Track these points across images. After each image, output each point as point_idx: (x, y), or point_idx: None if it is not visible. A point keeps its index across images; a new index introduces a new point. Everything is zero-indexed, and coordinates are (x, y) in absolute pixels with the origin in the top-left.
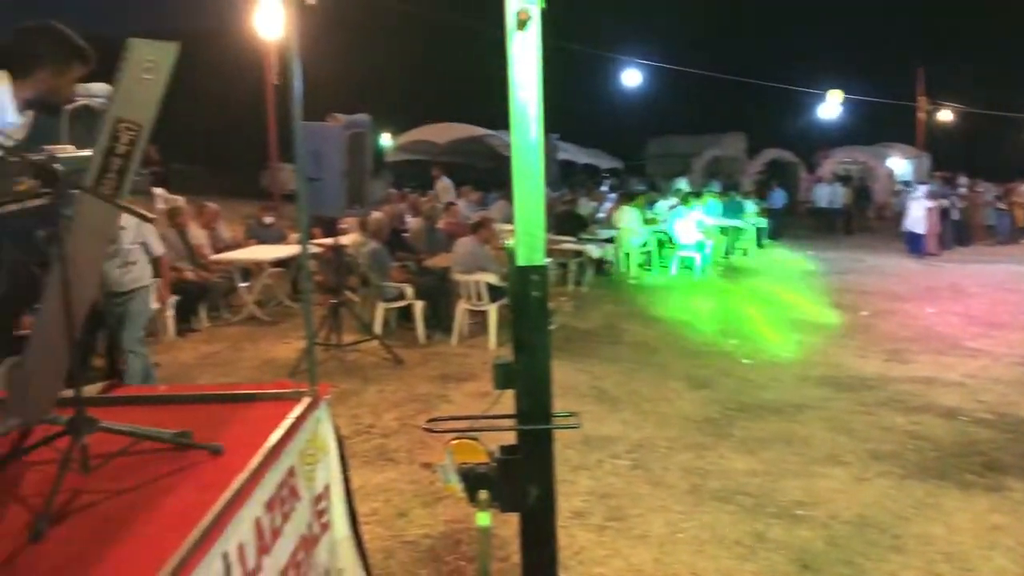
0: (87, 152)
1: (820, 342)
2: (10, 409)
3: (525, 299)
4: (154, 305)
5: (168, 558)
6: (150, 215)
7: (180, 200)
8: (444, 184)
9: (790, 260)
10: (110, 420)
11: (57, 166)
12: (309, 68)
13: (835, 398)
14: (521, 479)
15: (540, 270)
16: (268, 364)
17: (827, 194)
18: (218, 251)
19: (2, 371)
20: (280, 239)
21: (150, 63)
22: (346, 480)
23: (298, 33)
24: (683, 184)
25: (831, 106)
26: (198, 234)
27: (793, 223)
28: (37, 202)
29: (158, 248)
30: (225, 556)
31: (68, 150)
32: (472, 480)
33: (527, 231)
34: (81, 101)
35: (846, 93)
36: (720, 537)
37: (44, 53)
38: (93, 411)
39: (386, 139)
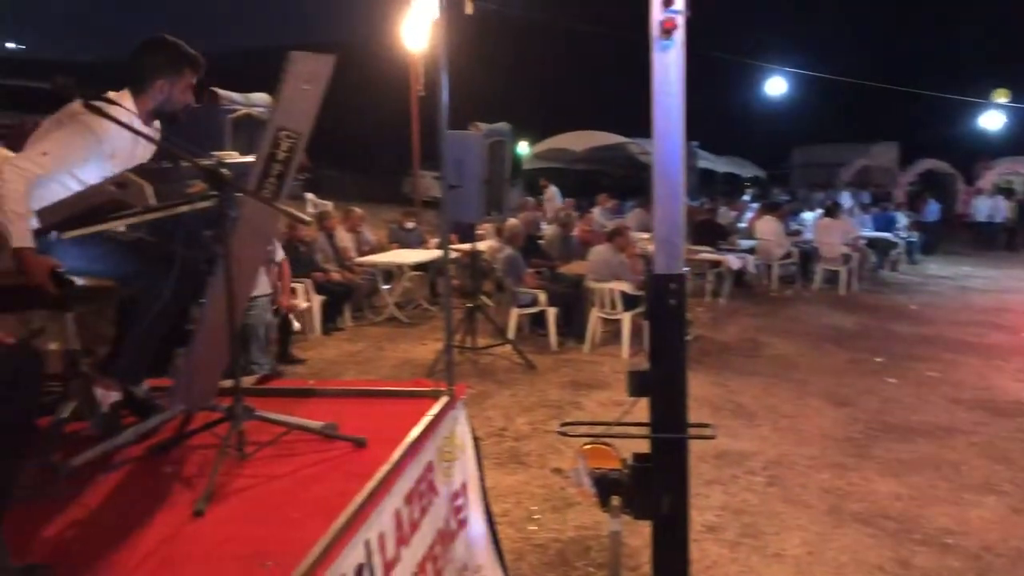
0: (250, 158)
1: (974, 363)
2: (176, 396)
3: (662, 308)
4: (302, 305)
5: (315, 541)
6: (306, 218)
7: (328, 205)
8: (551, 193)
9: (944, 276)
10: (264, 410)
11: (225, 171)
12: (451, 77)
13: (990, 423)
14: (654, 487)
15: (678, 279)
16: (407, 364)
17: (987, 207)
18: (362, 254)
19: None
20: (420, 243)
21: (309, 74)
22: (482, 479)
23: (447, 44)
24: (846, 197)
25: (994, 115)
26: (344, 237)
27: (948, 238)
28: (205, 204)
29: (279, 254)
30: (367, 544)
31: (233, 156)
32: (604, 485)
33: (666, 239)
34: (243, 110)
35: (1011, 102)
36: (860, 561)
37: (157, 64)
38: (249, 401)
39: (523, 147)
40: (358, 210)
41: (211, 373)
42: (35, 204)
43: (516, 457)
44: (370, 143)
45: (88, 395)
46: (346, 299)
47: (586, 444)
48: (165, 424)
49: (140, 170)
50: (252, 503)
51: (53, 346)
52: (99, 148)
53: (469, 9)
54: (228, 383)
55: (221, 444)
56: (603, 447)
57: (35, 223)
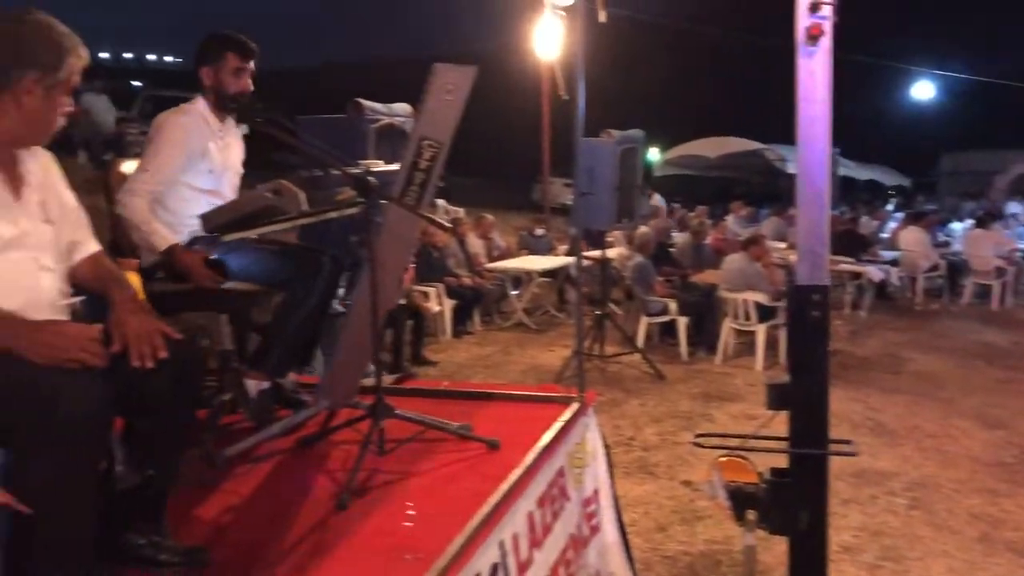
0: (394, 167)
1: None
2: (321, 393)
3: (804, 319)
4: (434, 308)
5: (453, 538)
6: (448, 225)
7: (460, 211)
8: (655, 201)
9: None
10: (402, 409)
11: (371, 179)
12: (585, 84)
13: None
14: (792, 503)
15: (822, 290)
16: (534, 369)
17: None
18: (492, 260)
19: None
20: (549, 250)
21: (451, 86)
22: (613, 487)
23: (583, 52)
24: (1014, 206)
25: None
26: (475, 243)
27: None
28: (352, 210)
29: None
30: (501, 544)
31: (378, 164)
32: (740, 499)
33: (810, 249)
34: (385, 120)
35: None
36: None
37: (199, 56)
38: (387, 400)
39: (654, 153)
40: (489, 216)
41: (354, 373)
42: (170, 216)
43: (645, 467)
44: (500, 150)
45: (240, 386)
46: (476, 304)
47: (721, 456)
48: (310, 419)
49: (294, 178)
50: (392, 498)
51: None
52: (185, 149)
53: (603, 17)
54: (369, 382)
55: (363, 440)
56: (739, 460)
57: (195, 230)
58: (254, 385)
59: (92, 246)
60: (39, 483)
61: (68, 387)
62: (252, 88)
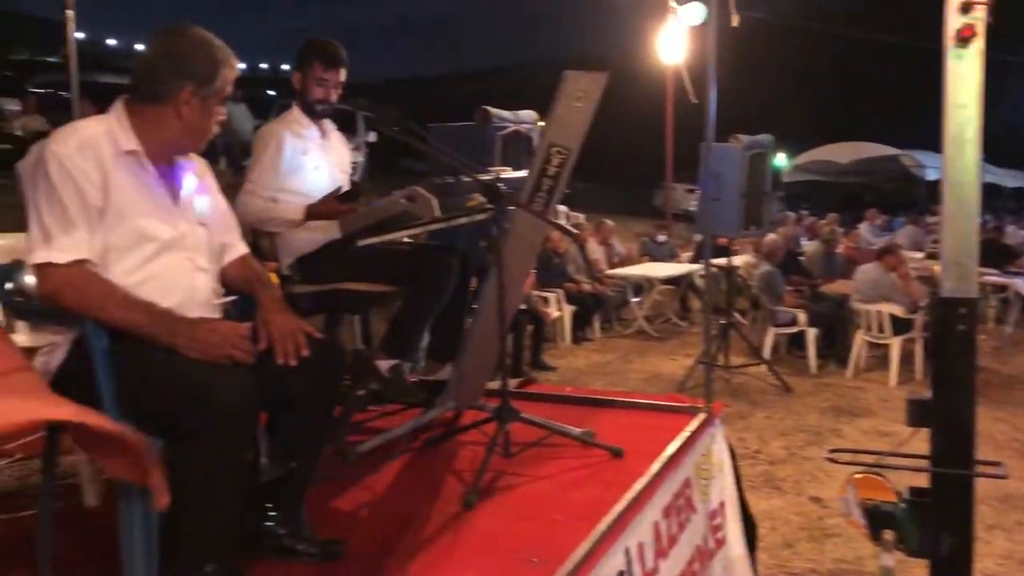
0: (522, 173)
1: None
2: (448, 395)
3: (949, 333)
4: (554, 314)
5: (578, 543)
6: (574, 231)
7: (580, 217)
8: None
9: None
10: (525, 413)
11: (501, 185)
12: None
13: None
14: (933, 525)
15: (969, 303)
16: (655, 378)
17: None
18: (613, 266)
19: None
20: (671, 257)
21: (581, 92)
22: (741, 500)
23: (715, 56)
24: None
25: None
26: (595, 249)
27: None
28: (482, 216)
29: None
30: (627, 552)
31: (507, 171)
32: (877, 518)
33: (957, 260)
34: (512, 127)
35: None
36: None
37: (296, 58)
38: (512, 403)
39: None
40: (609, 222)
41: (480, 375)
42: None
43: (771, 481)
44: (619, 155)
45: (372, 367)
46: (596, 310)
47: (856, 473)
48: (437, 420)
49: (427, 184)
50: (517, 501)
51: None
52: (282, 154)
53: (735, 21)
54: (494, 385)
55: (489, 442)
56: (876, 477)
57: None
58: (384, 365)
59: (241, 248)
60: (193, 472)
61: (221, 381)
62: (334, 99)
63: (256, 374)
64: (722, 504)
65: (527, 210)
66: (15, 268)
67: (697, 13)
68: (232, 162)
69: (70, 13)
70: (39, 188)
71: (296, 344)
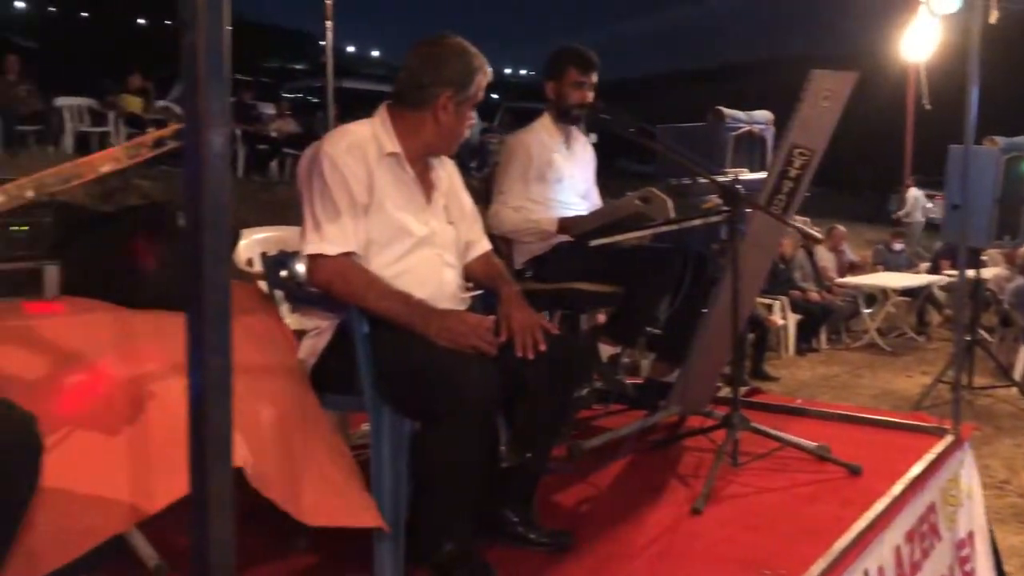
0: (759, 175)
1: None
2: (674, 398)
3: None
4: (778, 322)
5: (813, 560)
6: (817, 235)
7: (805, 222)
8: (913, 195)
9: None
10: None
11: (739, 187)
12: (959, 86)
13: None
14: None
15: None
16: (887, 395)
17: None
18: (843, 274)
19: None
20: (908, 267)
21: (828, 92)
22: (991, 533)
23: (976, 55)
24: None
25: None
26: (825, 256)
27: None
28: (717, 219)
29: None
30: (866, 573)
31: (744, 172)
32: None
33: None
34: (745, 128)
35: None
36: None
37: (546, 68)
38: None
39: None
40: (840, 228)
41: (708, 380)
42: (533, 238)
43: (1020, 515)
44: (851, 157)
45: (593, 351)
46: (823, 320)
47: None
48: (661, 422)
49: (662, 185)
50: (746, 511)
51: None
52: (529, 164)
53: (993, 18)
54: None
55: (717, 449)
56: None
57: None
58: (606, 351)
59: (484, 245)
60: (439, 454)
61: (469, 370)
62: (591, 99)
63: (498, 366)
64: (971, 535)
65: (766, 213)
66: (287, 258)
67: (951, 1)
68: (461, 164)
69: (329, 24)
70: (313, 185)
71: (535, 338)
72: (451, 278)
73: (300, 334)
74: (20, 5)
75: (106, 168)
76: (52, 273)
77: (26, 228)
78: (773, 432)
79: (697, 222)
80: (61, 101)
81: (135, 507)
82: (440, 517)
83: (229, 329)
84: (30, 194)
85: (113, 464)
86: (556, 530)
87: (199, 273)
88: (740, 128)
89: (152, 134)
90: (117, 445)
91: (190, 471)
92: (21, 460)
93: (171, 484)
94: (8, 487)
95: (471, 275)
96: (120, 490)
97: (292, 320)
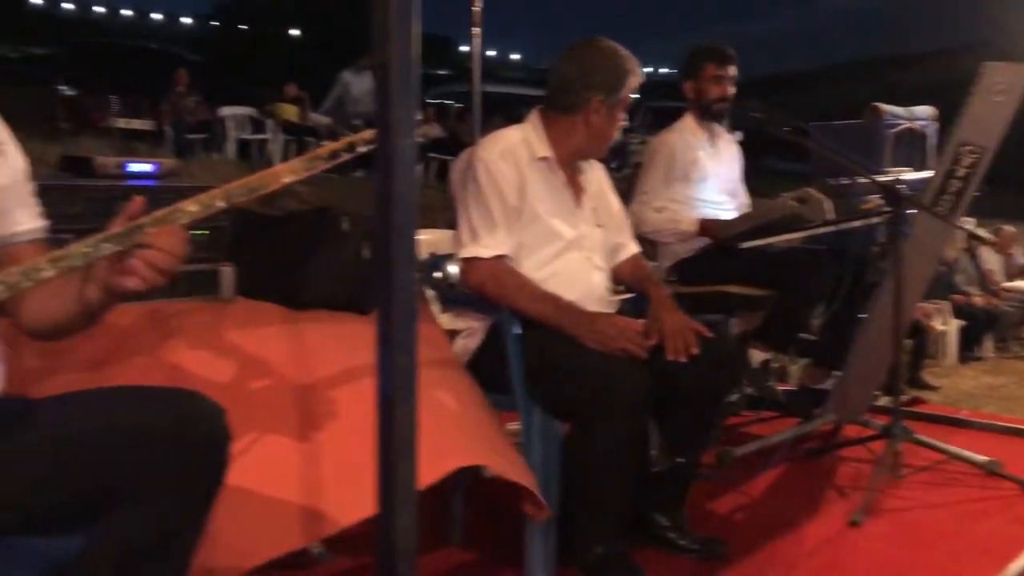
0: (922, 174)
1: None
2: (830, 406)
3: None
4: (938, 328)
5: None
6: (989, 238)
7: (970, 222)
8: None
9: None
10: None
11: (902, 187)
12: None
13: None
14: None
15: None
16: None
17: None
18: (1011, 278)
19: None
20: None
21: (1002, 85)
22: None
23: None
24: None
25: None
26: (990, 259)
27: None
28: (878, 220)
29: None
30: None
31: (907, 172)
32: None
33: None
34: (905, 124)
35: None
36: None
37: (683, 69)
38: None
39: None
40: (1009, 228)
41: (866, 388)
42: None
43: None
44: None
45: (743, 355)
46: (989, 327)
47: None
48: (816, 431)
49: (819, 185)
50: (909, 526)
51: None
52: (671, 164)
53: None
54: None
55: (877, 460)
56: None
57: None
58: (756, 356)
59: (632, 248)
60: (590, 457)
61: (621, 373)
62: (732, 93)
63: (648, 369)
64: None
65: (931, 214)
66: (440, 260)
67: None
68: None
69: (476, 30)
70: (468, 190)
71: (687, 342)
72: (599, 280)
73: (451, 334)
74: (186, 21)
75: (287, 179)
76: (228, 275)
77: (207, 232)
78: (939, 444)
79: (857, 223)
80: (225, 111)
81: (321, 520)
82: (591, 519)
83: (415, 329)
84: (220, 204)
85: (297, 474)
86: (708, 537)
87: (388, 275)
88: (900, 125)
89: (328, 147)
90: (300, 455)
91: (377, 464)
92: (212, 453)
93: (356, 501)
94: (198, 478)
95: (620, 277)
96: (305, 502)
97: (444, 320)
